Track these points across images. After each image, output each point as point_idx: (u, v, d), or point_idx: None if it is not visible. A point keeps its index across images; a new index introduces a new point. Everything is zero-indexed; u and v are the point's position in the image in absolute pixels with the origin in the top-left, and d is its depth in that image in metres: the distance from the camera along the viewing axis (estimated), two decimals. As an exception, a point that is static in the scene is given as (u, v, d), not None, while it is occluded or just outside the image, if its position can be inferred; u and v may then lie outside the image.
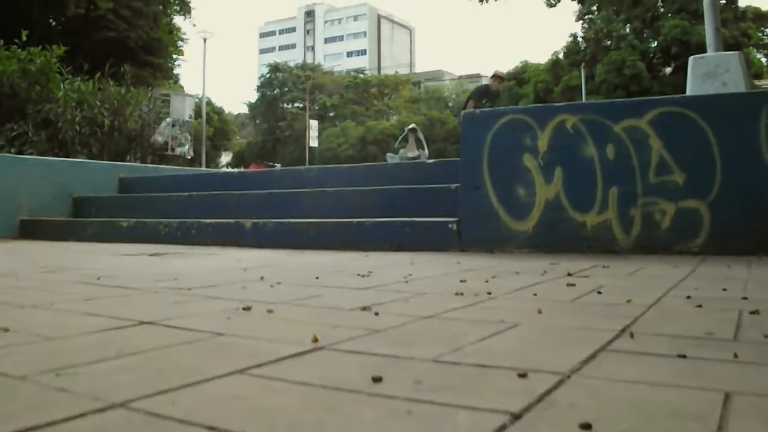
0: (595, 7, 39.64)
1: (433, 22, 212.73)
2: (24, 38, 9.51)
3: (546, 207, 3.94)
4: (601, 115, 3.86)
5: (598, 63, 43.65)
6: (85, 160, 8.11)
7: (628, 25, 44.01)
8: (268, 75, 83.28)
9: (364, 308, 1.73)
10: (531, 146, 3.97)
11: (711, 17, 5.74)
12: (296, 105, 79.46)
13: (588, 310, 1.73)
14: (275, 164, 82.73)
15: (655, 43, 43.93)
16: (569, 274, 2.67)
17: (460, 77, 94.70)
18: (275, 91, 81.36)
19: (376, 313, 1.65)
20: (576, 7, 37.63)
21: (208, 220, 5.23)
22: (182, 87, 32.94)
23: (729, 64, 5.11)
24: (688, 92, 5.34)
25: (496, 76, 11.12)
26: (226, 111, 78.00)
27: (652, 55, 43.66)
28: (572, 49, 47.55)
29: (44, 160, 7.25)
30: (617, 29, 45.04)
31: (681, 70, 40.71)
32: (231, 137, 72.08)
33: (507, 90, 55.16)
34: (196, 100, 26.33)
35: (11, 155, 7.38)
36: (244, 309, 1.70)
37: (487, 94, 10.76)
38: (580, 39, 47.66)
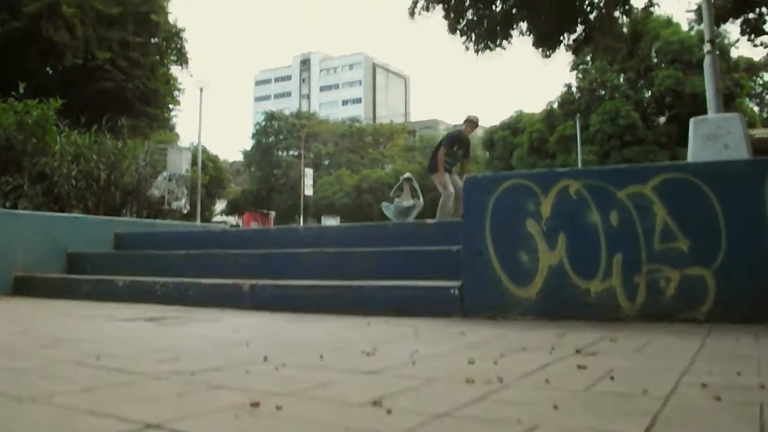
0: (588, 58, 40.17)
1: (428, 71, 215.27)
2: (22, 90, 9.55)
3: (549, 273, 3.89)
4: (604, 181, 3.84)
5: (593, 113, 44.03)
6: (81, 215, 8.07)
7: (623, 75, 44.51)
8: (263, 123, 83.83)
9: (374, 402, 1.67)
10: (534, 212, 3.94)
11: (711, 79, 5.78)
12: (291, 153, 79.82)
13: (604, 405, 1.68)
14: (270, 212, 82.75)
15: (649, 93, 44.40)
16: (578, 351, 2.62)
17: (456, 126, 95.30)
18: (270, 139, 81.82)
19: (389, 411, 1.59)
20: (570, 57, 38.02)
21: (205, 281, 5.18)
22: (178, 135, 33.10)
23: (730, 126, 5.14)
24: (690, 153, 5.36)
25: (470, 121, 10.59)
26: (221, 158, 78.17)
27: (646, 105, 44.10)
28: (567, 99, 48.04)
29: (39, 215, 7.21)
30: (611, 79, 45.59)
31: (675, 120, 41.03)
32: (226, 185, 72.15)
33: (502, 140, 55.65)
34: (192, 149, 26.40)
35: (5, 210, 7.33)
36: (252, 405, 1.64)
37: (459, 140, 10.41)
38: (574, 89, 48.13)
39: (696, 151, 5.27)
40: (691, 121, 5.56)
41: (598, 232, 3.82)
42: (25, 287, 6.36)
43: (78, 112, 10.32)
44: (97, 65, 20.67)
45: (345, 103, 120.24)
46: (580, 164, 41.47)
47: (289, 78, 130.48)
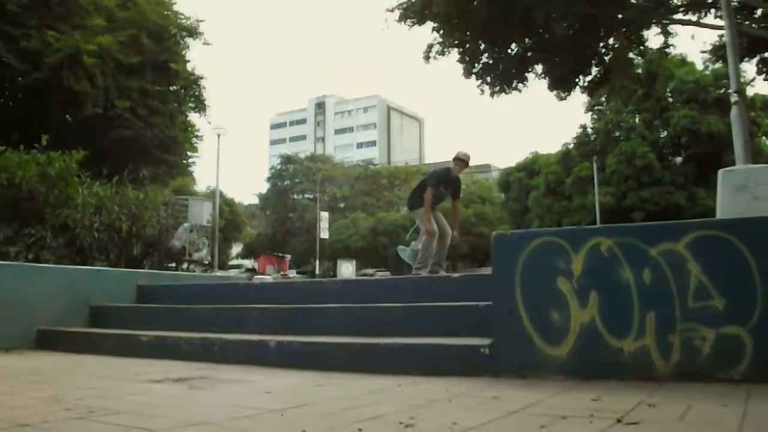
0: (603, 98, 40.26)
1: (443, 113, 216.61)
2: (45, 143, 9.65)
3: (581, 332, 3.83)
4: (636, 238, 3.80)
5: (609, 154, 43.98)
6: (103, 268, 8.09)
7: (638, 115, 44.55)
8: (279, 166, 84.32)
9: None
10: (565, 269, 3.89)
11: (739, 129, 5.75)
12: (307, 196, 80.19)
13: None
14: (285, 255, 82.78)
15: (665, 133, 44.35)
16: (619, 420, 2.56)
17: (470, 168, 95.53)
18: (286, 183, 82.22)
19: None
20: (585, 98, 38.14)
21: (230, 337, 5.14)
22: (194, 180, 33.32)
23: (760, 177, 5.08)
24: (718, 205, 5.31)
25: (459, 160, 9.46)
26: (236, 202, 78.52)
27: (662, 145, 44.03)
28: (582, 140, 48.02)
29: (61, 269, 7.23)
30: (627, 120, 45.59)
31: (691, 160, 40.86)
32: (241, 229, 72.38)
33: (518, 181, 55.63)
34: (209, 194, 26.55)
35: (28, 264, 7.37)
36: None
37: (447, 180, 9.40)
38: (589, 130, 48.17)
39: (724, 201, 5.22)
40: (720, 172, 5.52)
41: (630, 290, 3.76)
42: (48, 341, 6.36)
43: (99, 163, 10.37)
44: (116, 114, 20.89)
45: (360, 145, 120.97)
46: (597, 206, 41.36)
47: (304, 121, 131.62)
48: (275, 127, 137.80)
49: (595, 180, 42.10)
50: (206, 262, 12.96)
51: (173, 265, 10.19)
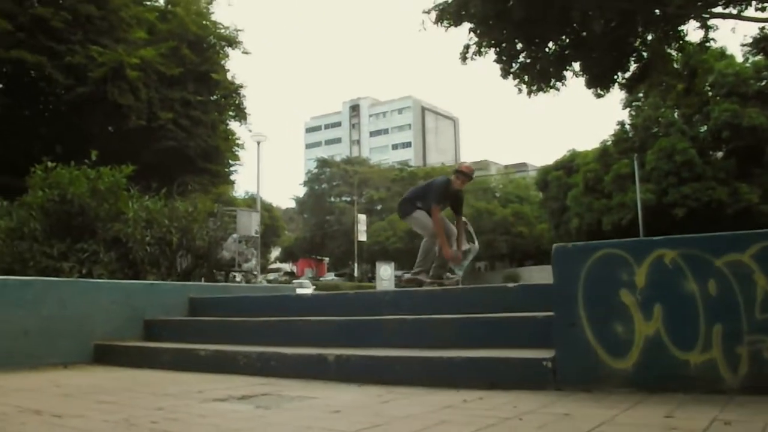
0: (641, 94, 39.78)
1: (478, 112, 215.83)
2: (94, 158, 9.82)
3: (646, 344, 3.80)
4: (700, 249, 3.75)
5: (648, 150, 43.44)
6: (156, 282, 8.20)
7: (677, 110, 43.96)
8: (315, 170, 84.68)
9: None
10: (628, 281, 3.86)
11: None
12: (344, 199, 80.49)
13: None
14: (324, 259, 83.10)
15: (705, 127, 43.70)
16: (699, 441, 2.53)
17: (506, 167, 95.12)
18: (323, 186, 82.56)
19: None
20: (623, 94, 37.72)
21: (287, 351, 5.17)
22: (234, 187, 33.61)
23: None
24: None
25: (460, 173, 8.87)
26: (274, 206, 79.03)
27: (702, 139, 43.38)
28: (620, 136, 47.52)
29: (116, 284, 7.35)
30: (665, 115, 44.99)
31: (733, 154, 40.26)
32: (280, 233, 72.96)
33: (556, 180, 55.22)
34: (248, 199, 26.75)
35: (84, 280, 7.52)
36: None
37: (446, 193, 8.75)
38: (627, 126, 47.65)
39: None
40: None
41: (696, 301, 3.72)
42: (105, 355, 6.46)
43: (144, 174, 10.51)
44: (159, 125, 21.26)
45: (395, 147, 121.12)
46: (639, 204, 40.91)
47: (339, 124, 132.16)
48: (310, 130, 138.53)
49: (636, 177, 41.63)
50: (255, 273, 13.08)
51: (222, 275, 10.29)
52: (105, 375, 5.62)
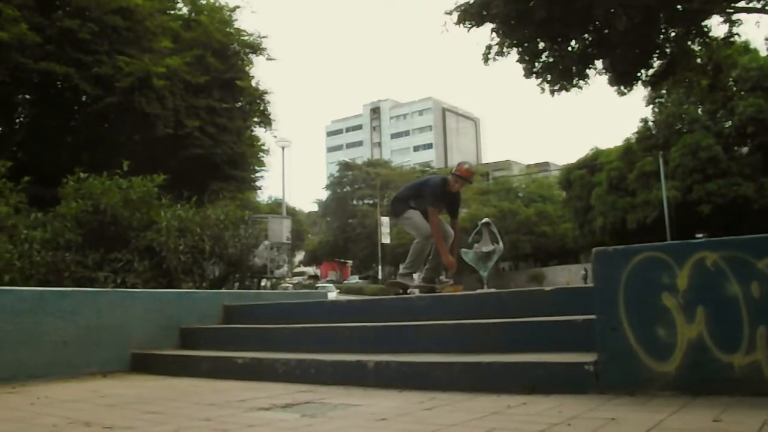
0: (664, 91, 39.47)
1: (499, 112, 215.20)
2: (125, 168, 9.93)
3: (689, 347, 3.79)
4: (742, 251, 3.73)
5: (672, 147, 43.11)
6: (191, 291, 8.28)
7: (700, 106, 43.58)
8: (337, 173, 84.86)
9: None
10: (669, 284, 3.85)
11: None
12: (366, 202, 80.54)
13: None
14: (347, 261, 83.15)
15: (730, 123, 43.27)
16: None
17: (529, 166, 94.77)
18: (345, 189, 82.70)
19: None
20: (645, 91, 37.48)
21: (325, 358, 5.20)
22: (258, 191, 33.78)
23: None
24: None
25: (457, 176, 8.31)
26: (297, 210, 79.25)
27: (727, 135, 42.96)
28: (644, 134, 47.18)
29: (151, 293, 7.43)
30: (689, 112, 44.60)
31: (759, 150, 39.81)
32: (304, 237, 73.17)
33: (579, 179, 54.92)
34: (272, 204, 26.92)
35: (120, 290, 7.61)
36: None
37: (442, 195, 8.30)
38: (651, 123, 47.30)
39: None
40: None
41: (738, 304, 3.70)
42: (142, 364, 6.53)
43: (176, 184, 10.61)
44: (186, 133, 21.44)
45: (416, 149, 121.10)
46: (665, 202, 40.61)
47: (360, 127, 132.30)
48: (331, 134, 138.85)
49: (662, 175, 41.33)
50: (287, 279, 13.20)
51: (266, 283, 10.38)
52: (144, 384, 5.68)
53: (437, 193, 8.22)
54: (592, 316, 4.16)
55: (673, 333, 3.83)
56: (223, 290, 8.65)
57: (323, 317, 6.53)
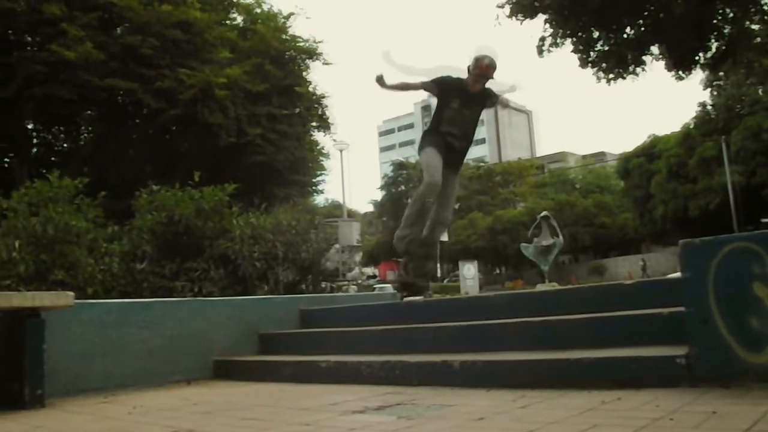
0: (722, 73, 38.61)
1: (551, 103, 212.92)
2: (197, 179, 10.16)
3: (784, 337, 3.75)
4: (837, 237, 3.69)
5: (733, 130, 42.15)
6: (268, 296, 8.44)
7: (761, 87, 42.52)
8: (392, 173, 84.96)
9: None
10: (760, 274, 3.81)
11: None
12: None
13: None
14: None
15: (792, 101, 42.14)
16: None
17: (584, 157, 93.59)
18: (400, 189, 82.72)
19: None
20: (702, 76, 36.70)
21: (409, 359, 5.26)
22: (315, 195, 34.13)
23: None
24: None
25: (477, 75, 6.43)
26: (354, 210, 79.61)
27: (790, 115, 41.83)
28: (702, 118, 46.18)
29: (230, 301, 7.60)
30: (749, 93, 43.54)
31: (823, 129, 38.51)
32: (362, 238, 73.38)
33: (637, 167, 54.05)
34: (329, 206, 27.24)
35: (201, 299, 7.80)
36: None
37: (459, 89, 6.53)
38: (709, 107, 46.29)
39: None
40: None
41: (834, 292, 3.65)
42: (224, 371, 6.69)
43: (241, 192, 10.79)
44: (248, 141, 21.85)
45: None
46: (729, 188, 39.75)
47: (411, 126, 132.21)
48: (384, 134, 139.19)
49: (725, 160, 40.41)
50: (360, 281, 13.33)
51: (324, 285, 10.51)
52: (230, 390, 5.80)
53: (449, 80, 6.62)
54: (679, 309, 4.14)
55: (766, 323, 3.79)
56: (299, 295, 8.79)
57: (400, 318, 6.58)
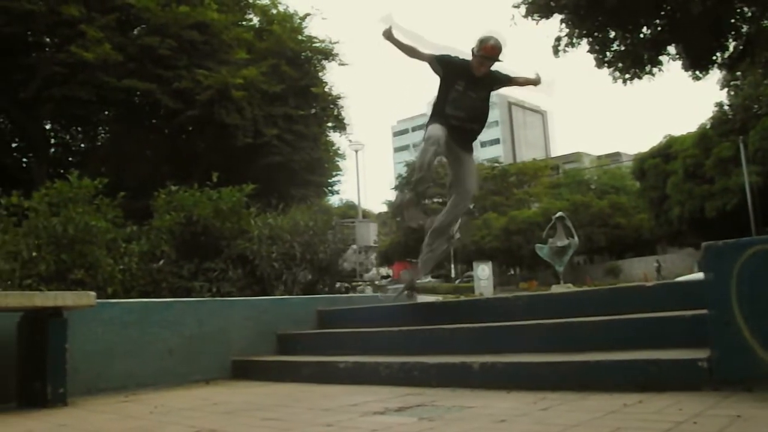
0: (739, 73, 38.35)
1: (566, 103, 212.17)
2: (215, 179, 10.21)
3: (807, 341, 3.73)
4: None
5: (750, 131, 41.83)
6: (286, 297, 8.48)
7: (779, 87, 42.16)
8: (406, 173, 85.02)
9: None
10: (783, 277, 3.79)
11: None
12: (436, 201, 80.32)
13: None
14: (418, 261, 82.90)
15: (811, 101, 41.77)
16: None
17: (599, 157, 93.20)
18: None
19: None
20: (718, 76, 36.44)
21: (428, 360, 5.26)
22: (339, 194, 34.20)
23: None
24: None
25: (482, 57, 6.17)
26: (368, 210, 79.63)
27: (809, 114, 41.49)
28: (719, 118, 45.85)
29: (248, 301, 7.64)
30: (767, 93, 43.22)
31: (843, 130, 38.22)
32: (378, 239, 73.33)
33: (653, 168, 53.75)
34: (343, 206, 27.33)
35: (219, 299, 7.85)
36: None
37: (464, 70, 6.27)
38: (726, 107, 45.97)
39: None
40: None
41: None
42: (242, 371, 6.72)
43: (258, 192, 10.83)
44: (265, 141, 21.96)
45: (484, 144, 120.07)
46: (747, 189, 39.48)
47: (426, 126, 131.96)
48: (397, 134, 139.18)
49: (743, 160, 40.11)
50: (376, 283, 13.35)
51: (339, 286, 10.55)
52: (249, 390, 5.82)
53: (455, 61, 6.38)
54: (702, 311, 4.13)
55: (789, 327, 3.78)
56: (317, 295, 8.82)
57: (418, 319, 6.59)
